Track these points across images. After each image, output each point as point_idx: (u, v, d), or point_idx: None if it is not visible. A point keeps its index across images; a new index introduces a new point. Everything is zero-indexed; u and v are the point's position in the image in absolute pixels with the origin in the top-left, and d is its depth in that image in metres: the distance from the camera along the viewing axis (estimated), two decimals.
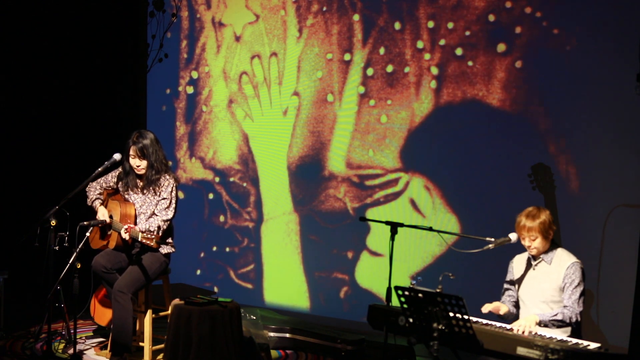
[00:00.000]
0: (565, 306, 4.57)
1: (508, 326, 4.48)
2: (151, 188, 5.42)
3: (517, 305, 4.83)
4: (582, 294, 4.58)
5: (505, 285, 4.88)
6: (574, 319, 4.53)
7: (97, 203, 5.52)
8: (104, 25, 7.49)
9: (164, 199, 5.39)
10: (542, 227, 4.60)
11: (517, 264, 4.84)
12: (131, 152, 5.39)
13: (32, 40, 7.38)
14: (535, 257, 4.72)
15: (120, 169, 5.55)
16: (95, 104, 7.54)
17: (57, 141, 7.46)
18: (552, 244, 4.69)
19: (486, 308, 4.71)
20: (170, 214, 5.39)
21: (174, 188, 5.42)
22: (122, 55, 7.63)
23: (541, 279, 4.66)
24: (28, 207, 6.93)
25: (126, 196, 5.50)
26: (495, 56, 6.17)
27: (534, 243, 4.63)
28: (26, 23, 7.36)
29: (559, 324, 4.50)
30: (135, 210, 5.41)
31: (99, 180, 5.54)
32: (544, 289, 4.64)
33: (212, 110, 7.54)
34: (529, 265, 4.76)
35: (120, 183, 5.53)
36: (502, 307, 4.74)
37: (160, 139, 5.55)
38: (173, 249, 5.55)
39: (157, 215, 5.38)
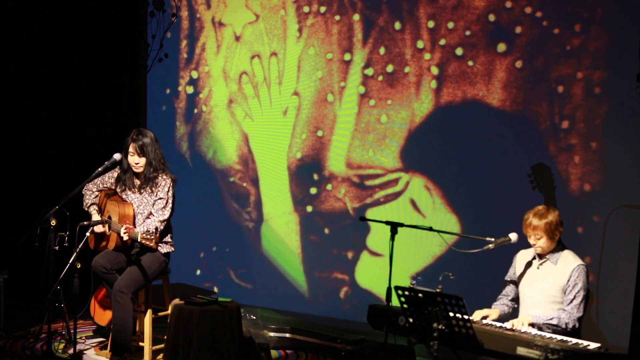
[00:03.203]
0: (564, 310, 4.56)
1: (505, 324, 4.49)
2: (148, 187, 5.42)
3: (515, 300, 4.83)
4: (584, 299, 4.56)
5: (505, 281, 4.88)
6: (570, 325, 4.50)
7: (92, 209, 5.52)
8: (104, 25, 7.48)
9: (160, 198, 5.40)
10: (548, 228, 4.58)
11: (521, 259, 4.82)
12: (130, 150, 5.40)
13: (32, 40, 7.37)
14: (540, 256, 4.71)
15: (118, 170, 5.55)
16: (95, 104, 7.53)
17: (57, 141, 7.46)
18: (559, 245, 4.67)
19: (477, 315, 4.71)
20: (166, 214, 5.39)
21: (170, 188, 5.43)
22: (122, 55, 7.62)
23: (544, 278, 4.65)
24: (28, 207, 6.93)
25: (124, 196, 5.50)
26: (495, 56, 6.17)
27: (539, 242, 4.62)
28: (26, 23, 7.36)
29: (554, 327, 4.48)
30: (133, 210, 5.41)
31: (95, 181, 5.53)
32: (547, 289, 4.63)
33: (212, 110, 7.54)
34: (533, 263, 4.74)
35: (118, 182, 5.53)
36: (493, 313, 4.75)
37: (160, 139, 5.55)
38: (172, 248, 5.55)
39: (154, 216, 5.38)
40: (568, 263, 4.61)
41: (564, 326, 4.49)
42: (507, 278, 4.89)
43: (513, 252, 4.90)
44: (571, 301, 4.55)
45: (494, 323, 4.56)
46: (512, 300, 4.85)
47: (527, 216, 4.65)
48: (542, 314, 4.59)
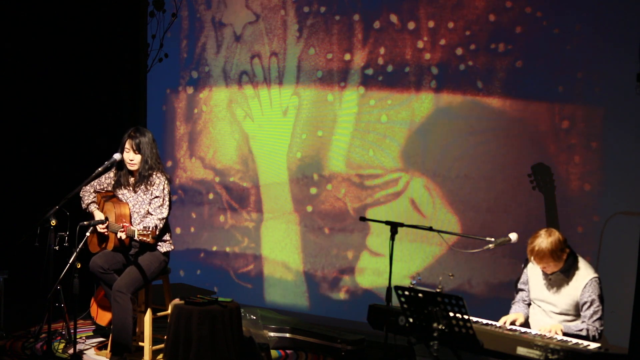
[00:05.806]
0: (587, 324, 4.52)
1: (538, 332, 4.43)
2: (143, 186, 5.42)
3: (529, 305, 4.79)
4: (602, 313, 4.53)
5: (519, 286, 4.82)
6: (597, 337, 4.49)
7: (92, 207, 5.52)
8: (104, 25, 7.48)
9: (156, 197, 5.40)
10: (554, 255, 4.51)
11: (532, 264, 4.74)
12: (126, 146, 5.41)
13: (32, 40, 7.37)
14: None
15: (114, 172, 5.55)
16: (95, 104, 7.53)
17: (57, 141, 7.45)
18: (570, 257, 4.60)
19: (503, 321, 4.63)
20: (165, 212, 5.40)
21: (165, 186, 5.43)
22: (122, 55, 7.62)
23: (556, 290, 4.62)
24: (28, 207, 6.92)
25: (119, 195, 5.50)
26: (495, 56, 6.17)
27: (546, 268, 4.59)
28: (27, 23, 7.36)
29: (581, 339, 4.43)
30: (129, 209, 5.41)
31: (92, 183, 5.53)
32: (558, 301, 4.60)
33: (212, 110, 7.53)
34: (544, 271, 4.67)
35: (114, 182, 5.53)
36: (519, 317, 4.69)
37: (160, 139, 5.56)
38: (172, 247, 5.55)
39: (152, 215, 5.38)
40: (580, 277, 4.56)
41: (591, 338, 4.47)
42: (519, 284, 4.83)
43: (513, 252, 4.89)
44: (591, 316, 4.51)
45: (493, 323, 4.55)
46: (528, 304, 4.81)
47: (531, 247, 4.54)
48: (551, 322, 4.56)
